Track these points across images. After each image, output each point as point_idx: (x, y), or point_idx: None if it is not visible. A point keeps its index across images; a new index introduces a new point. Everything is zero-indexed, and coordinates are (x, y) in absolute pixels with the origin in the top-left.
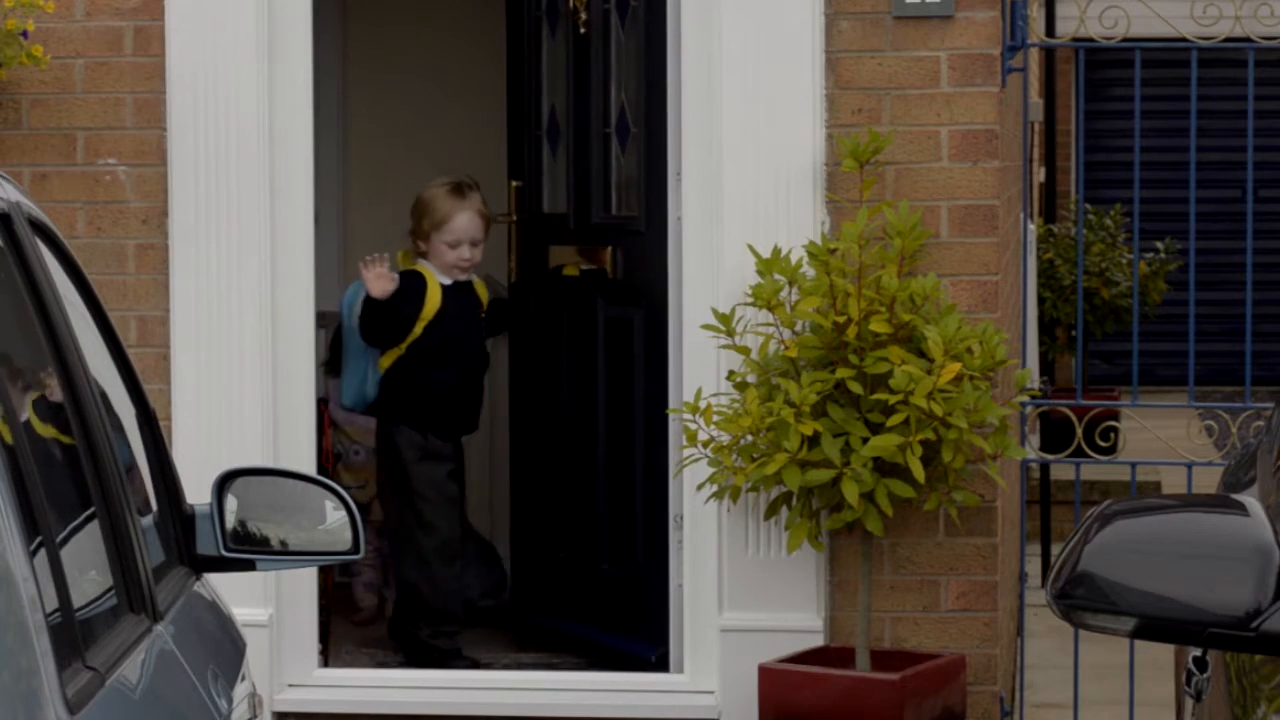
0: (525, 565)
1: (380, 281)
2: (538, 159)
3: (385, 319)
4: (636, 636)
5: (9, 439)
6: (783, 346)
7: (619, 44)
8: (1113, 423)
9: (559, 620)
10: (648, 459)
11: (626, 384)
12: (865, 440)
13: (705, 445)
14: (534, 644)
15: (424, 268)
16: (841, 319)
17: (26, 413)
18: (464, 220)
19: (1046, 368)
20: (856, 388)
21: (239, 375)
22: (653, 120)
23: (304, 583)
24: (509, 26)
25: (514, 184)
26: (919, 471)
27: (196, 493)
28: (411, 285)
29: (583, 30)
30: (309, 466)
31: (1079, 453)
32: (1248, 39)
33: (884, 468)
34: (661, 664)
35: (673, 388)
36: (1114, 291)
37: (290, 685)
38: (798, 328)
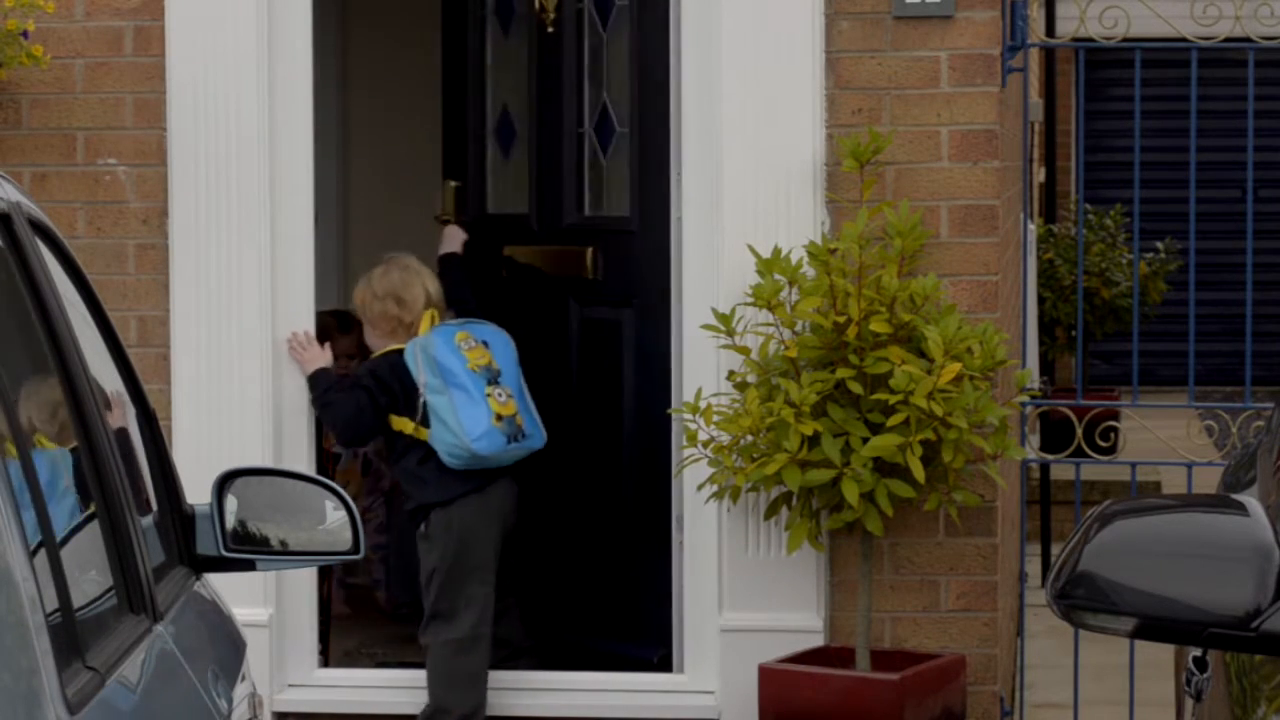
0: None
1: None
2: (481, 159)
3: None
4: (638, 639)
5: (9, 439)
6: (783, 346)
7: (599, 43)
8: (1113, 423)
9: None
10: (643, 460)
11: (614, 384)
12: (865, 440)
13: (705, 445)
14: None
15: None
16: (841, 319)
17: (27, 413)
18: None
19: (1046, 368)
20: (856, 388)
21: (239, 375)
22: (646, 119)
23: (304, 583)
24: (444, 27)
25: (453, 184)
26: (919, 471)
27: (196, 493)
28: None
29: (550, 30)
30: (309, 466)
31: (1079, 453)
32: (1248, 39)
33: (884, 468)
34: (663, 665)
35: (673, 388)
36: (1114, 291)
37: (290, 685)
38: (798, 328)
